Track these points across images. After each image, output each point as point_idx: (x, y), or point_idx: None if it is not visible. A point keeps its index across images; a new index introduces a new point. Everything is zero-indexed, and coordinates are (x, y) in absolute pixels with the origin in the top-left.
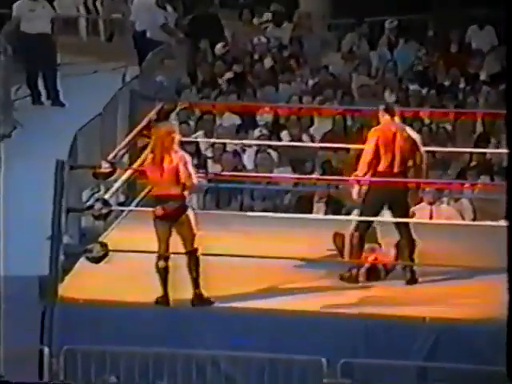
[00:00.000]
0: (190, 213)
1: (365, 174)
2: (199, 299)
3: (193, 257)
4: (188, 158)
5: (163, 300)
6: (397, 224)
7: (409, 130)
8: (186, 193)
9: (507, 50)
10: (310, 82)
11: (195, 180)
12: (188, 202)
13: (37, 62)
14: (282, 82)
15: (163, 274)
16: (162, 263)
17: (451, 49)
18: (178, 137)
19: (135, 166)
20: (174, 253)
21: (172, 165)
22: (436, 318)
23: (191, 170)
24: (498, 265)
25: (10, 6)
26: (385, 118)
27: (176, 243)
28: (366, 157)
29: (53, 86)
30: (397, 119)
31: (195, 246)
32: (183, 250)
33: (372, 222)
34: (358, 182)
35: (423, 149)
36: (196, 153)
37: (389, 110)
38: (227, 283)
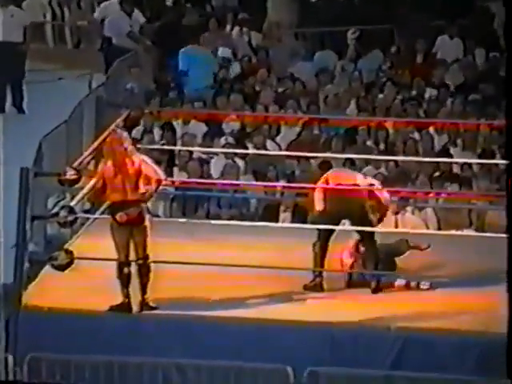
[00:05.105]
0: (148, 219)
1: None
2: (147, 305)
3: (145, 263)
4: (146, 157)
5: (124, 307)
6: (360, 235)
7: (363, 179)
8: (150, 192)
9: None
10: (277, 91)
11: (162, 175)
12: (145, 208)
13: (4, 70)
14: (249, 89)
15: (126, 280)
16: (126, 270)
17: (417, 59)
18: (129, 141)
19: (96, 177)
20: (134, 260)
21: (134, 167)
22: (401, 326)
23: (154, 166)
24: (464, 274)
25: None
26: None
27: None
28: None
29: (19, 94)
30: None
31: (147, 252)
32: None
33: (333, 231)
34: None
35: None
36: (164, 160)
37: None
38: (190, 292)
